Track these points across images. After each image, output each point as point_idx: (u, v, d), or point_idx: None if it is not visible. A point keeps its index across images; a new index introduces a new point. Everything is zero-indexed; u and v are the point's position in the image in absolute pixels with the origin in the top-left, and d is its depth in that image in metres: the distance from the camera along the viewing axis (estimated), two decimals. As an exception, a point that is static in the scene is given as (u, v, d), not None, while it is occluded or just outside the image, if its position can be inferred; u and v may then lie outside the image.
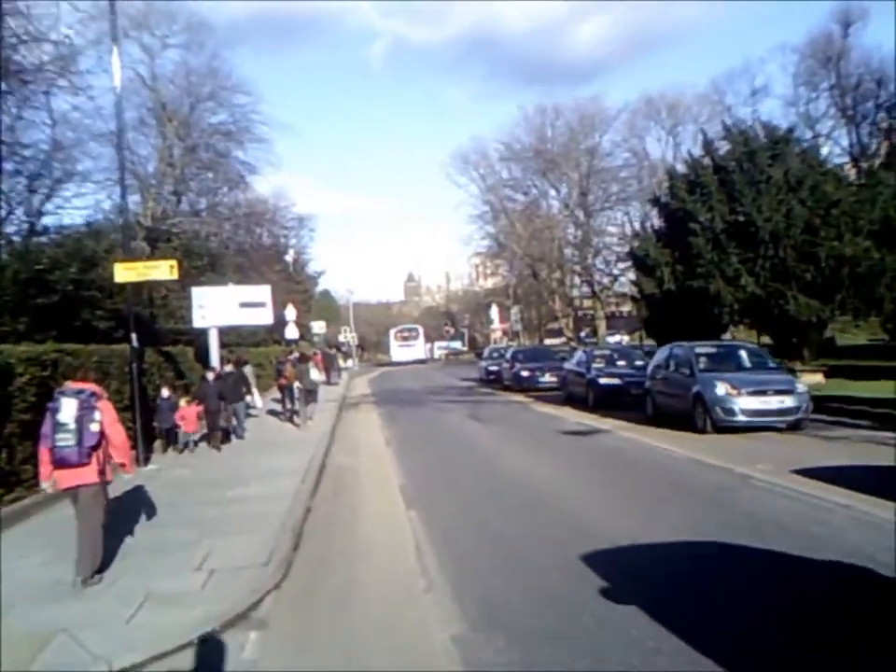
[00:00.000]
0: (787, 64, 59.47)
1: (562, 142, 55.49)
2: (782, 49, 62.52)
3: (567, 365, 24.25)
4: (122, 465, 7.18)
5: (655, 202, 29.17)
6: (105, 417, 6.84)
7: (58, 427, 6.61)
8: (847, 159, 43.63)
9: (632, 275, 37.73)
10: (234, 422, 16.41)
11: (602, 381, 20.56)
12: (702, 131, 29.95)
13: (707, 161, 25.45)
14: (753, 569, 6.33)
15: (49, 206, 24.68)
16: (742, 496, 9.05)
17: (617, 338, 57.47)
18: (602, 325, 54.75)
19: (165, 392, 14.85)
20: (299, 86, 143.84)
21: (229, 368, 17.01)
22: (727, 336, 25.69)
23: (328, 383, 33.80)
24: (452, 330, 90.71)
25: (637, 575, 6.27)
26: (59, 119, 24.02)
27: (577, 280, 58.38)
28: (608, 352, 24.76)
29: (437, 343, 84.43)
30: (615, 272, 53.52)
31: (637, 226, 47.04)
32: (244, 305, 20.41)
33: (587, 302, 60.21)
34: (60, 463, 6.64)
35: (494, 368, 33.15)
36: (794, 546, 6.71)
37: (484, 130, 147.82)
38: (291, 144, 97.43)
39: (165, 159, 32.74)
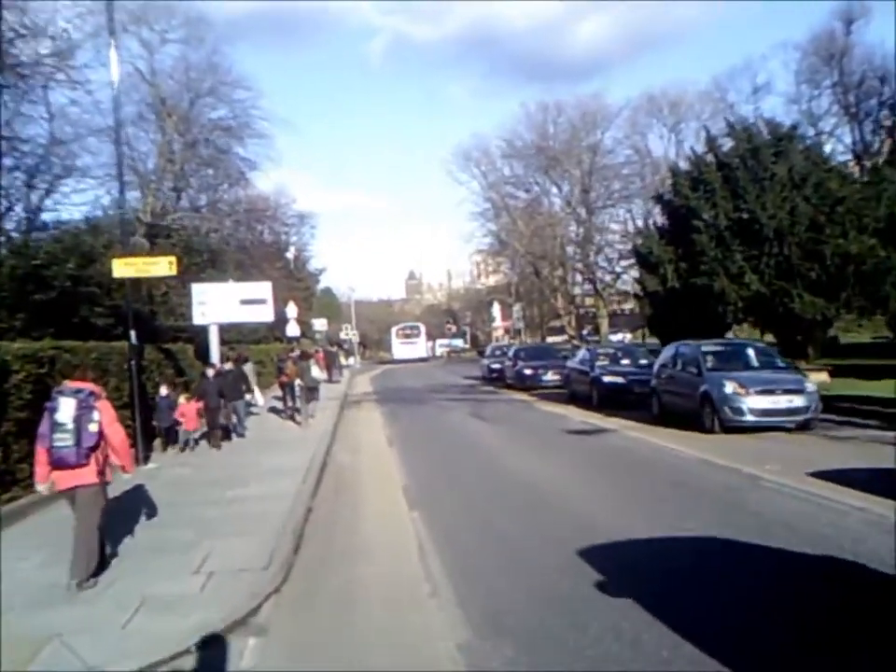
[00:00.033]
0: (789, 62, 59.26)
1: (564, 139, 55.17)
2: (784, 46, 61.99)
3: (570, 363, 24.05)
4: (122, 466, 7.04)
5: (658, 199, 29.00)
6: (104, 417, 6.71)
7: (56, 426, 6.50)
8: (849, 156, 43.36)
9: (635, 273, 37.58)
10: (234, 420, 16.24)
11: (606, 379, 20.38)
12: (705, 128, 29.63)
13: (710, 158, 25.25)
14: (753, 565, 6.23)
15: (48, 202, 24.58)
16: (752, 497, 8.88)
17: (619, 336, 57.33)
18: (604, 323, 54.50)
19: (164, 390, 14.66)
20: (298, 83, 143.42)
21: (228, 365, 16.83)
22: (729, 334, 25.51)
23: (329, 380, 33.67)
24: (453, 328, 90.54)
25: (646, 580, 6.09)
26: (57, 113, 23.93)
27: (579, 278, 58.13)
28: (612, 350, 24.61)
29: (438, 341, 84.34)
30: (617, 269, 53.32)
31: (639, 223, 46.88)
32: (244, 302, 20.23)
33: (589, 300, 59.95)
34: (58, 463, 6.53)
35: (496, 366, 32.99)
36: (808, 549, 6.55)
37: (484, 127, 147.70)
38: (291, 141, 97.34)
39: (165, 154, 32.53)
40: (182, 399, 14.89)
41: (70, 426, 6.47)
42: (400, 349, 70.05)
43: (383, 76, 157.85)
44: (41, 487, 6.86)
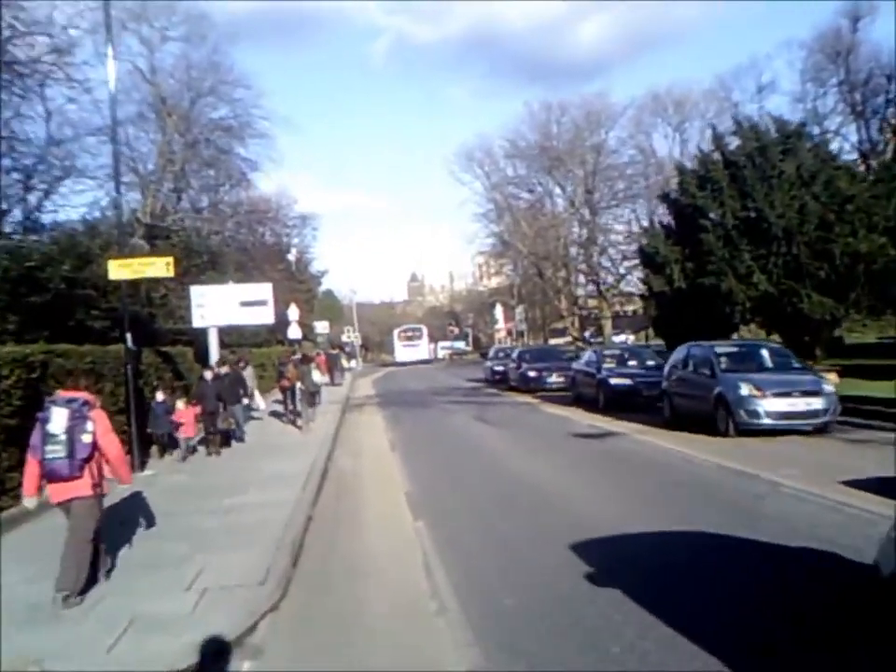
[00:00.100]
0: (794, 60, 59.02)
1: (567, 139, 54.79)
2: (789, 45, 61.96)
3: (575, 365, 23.68)
4: (118, 478, 6.77)
5: (664, 198, 28.60)
6: (98, 427, 6.44)
7: (48, 438, 6.24)
8: (855, 155, 42.99)
9: (639, 274, 37.18)
10: (234, 424, 15.87)
11: (613, 381, 20.01)
12: (711, 126, 29.35)
13: (717, 156, 24.90)
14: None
15: (47, 204, 24.27)
16: (771, 504, 8.51)
17: (622, 337, 56.95)
18: (608, 324, 54.13)
19: (160, 395, 14.21)
20: (300, 83, 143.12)
21: (224, 369, 16.44)
22: (734, 336, 25.16)
23: (331, 383, 33.39)
24: (456, 330, 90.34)
25: (663, 590, 5.73)
26: (55, 113, 23.64)
27: (582, 279, 57.75)
28: (618, 351, 24.25)
29: (441, 343, 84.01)
30: (621, 270, 52.93)
31: (643, 224, 46.43)
32: (244, 304, 19.87)
33: (591, 302, 59.55)
34: (51, 476, 6.29)
35: (500, 368, 32.67)
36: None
37: (485, 127, 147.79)
38: (292, 141, 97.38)
39: (165, 154, 32.19)
40: (180, 405, 14.51)
41: (62, 437, 6.22)
42: (402, 351, 69.79)
43: (384, 76, 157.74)
44: (28, 502, 6.57)
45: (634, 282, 48.51)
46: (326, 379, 29.95)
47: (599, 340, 52.67)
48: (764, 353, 15.55)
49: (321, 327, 52.11)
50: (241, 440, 16.07)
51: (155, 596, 6.20)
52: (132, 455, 12.07)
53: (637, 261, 40.46)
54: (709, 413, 14.18)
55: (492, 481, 11.11)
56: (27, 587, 6.56)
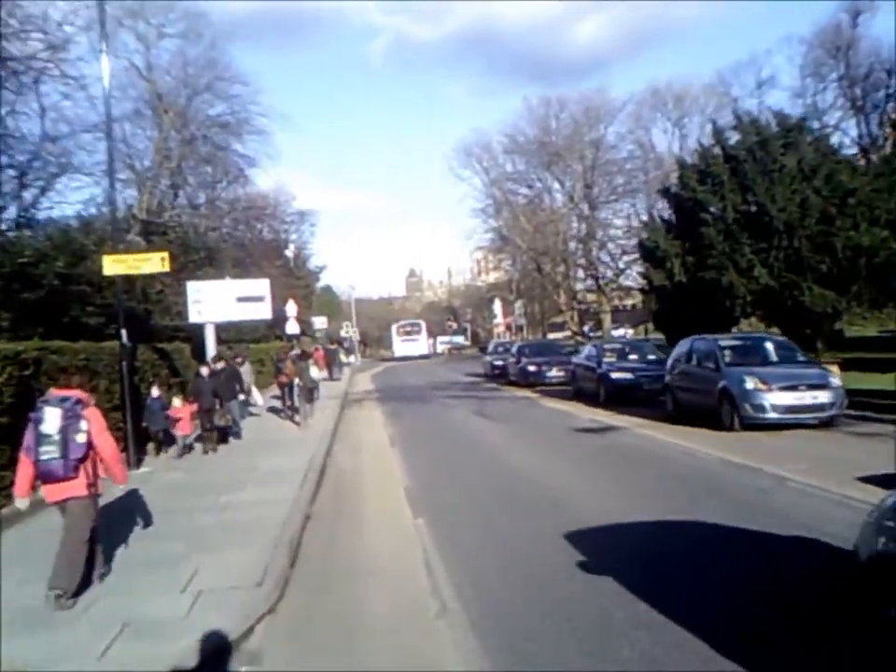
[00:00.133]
0: (794, 56, 58.78)
1: (566, 134, 54.52)
2: (789, 40, 61.85)
3: (576, 359, 23.54)
4: (113, 477, 6.63)
5: (665, 192, 28.42)
6: (93, 427, 6.31)
7: (41, 438, 6.12)
8: (855, 150, 42.80)
9: (638, 268, 37.06)
10: (230, 421, 15.70)
11: (614, 375, 19.88)
12: (712, 121, 29.18)
13: (717, 150, 24.73)
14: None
15: (43, 201, 24.03)
16: (777, 499, 8.37)
17: (621, 331, 56.83)
18: (607, 318, 53.98)
19: (155, 391, 14.05)
20: (299, 82, 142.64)
21: (220, 364, 16.25)
22: (735, 329, 25.01)
23: (330, 378, 33.26)
24: (454, 325, 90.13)
25: (668, 588, 5.59)
26: (51, 109, 23.40)
27: (581, 274, 57.56)
28: (619, 345, 24.11)
29: (439, 338, 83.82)
30: (620, 265, 52.76)
31: (643, 218, 46.25)
32: (241, 300, 19.73)
33: (590, 296, 59.37)
34: (45, 477, 6.19)
35: (499, 363, 32.52)
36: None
37: (483, 125, 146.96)
38: (291, 139, 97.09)
39: (162, 151, 31.92)
40: (177, 402, 14.35)
41: (56, 437, 6.11)
42: (401, 346, 69.58)
43: (383, 75, 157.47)
44: (20, 503, 6.45)
45: (633, 276, 48.35)
46: (324, 374, 29.81)
47: (598, 334, 52.52)
48: (769, 346, 15.37)
49: (319, 322, 51.96)
50: (238, 436, 15.91)
51: (149, 599, 6.04)
52: (127, 452, 11.92)
53: (636, 256, 40.37)
54: (713, 408, 14.03)
55: (492, 476, 10.98)
56: (19, 589, 6.39)
